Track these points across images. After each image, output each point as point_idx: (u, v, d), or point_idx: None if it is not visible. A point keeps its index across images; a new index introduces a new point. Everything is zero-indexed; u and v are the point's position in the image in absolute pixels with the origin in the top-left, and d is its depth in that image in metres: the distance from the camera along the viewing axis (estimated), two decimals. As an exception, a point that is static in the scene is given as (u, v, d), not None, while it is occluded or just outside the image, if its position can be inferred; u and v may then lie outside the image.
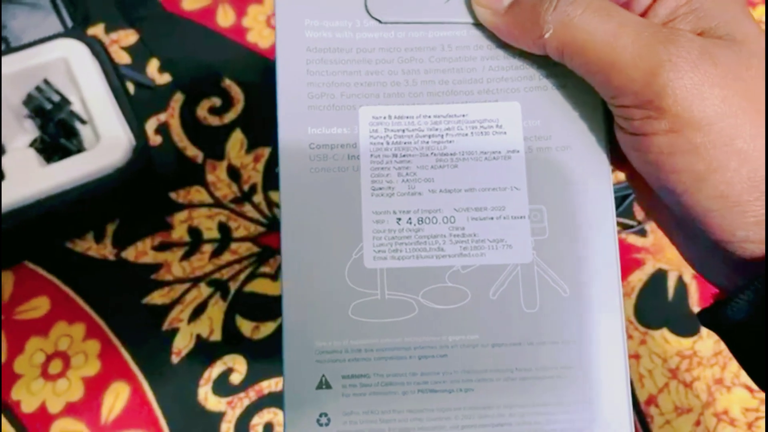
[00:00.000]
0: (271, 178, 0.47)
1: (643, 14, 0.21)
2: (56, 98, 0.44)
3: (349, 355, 0.21)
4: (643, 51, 0.19)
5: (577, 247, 0.21)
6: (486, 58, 0.22)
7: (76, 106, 0.45)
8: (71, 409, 0.40)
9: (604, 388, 0.21)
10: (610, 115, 0.21)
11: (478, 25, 0.22)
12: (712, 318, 0.21)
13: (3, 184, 0.40)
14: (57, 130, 0.44)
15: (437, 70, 0.22)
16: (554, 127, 0.22)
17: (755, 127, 0.19)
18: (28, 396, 0.41)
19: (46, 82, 0.44)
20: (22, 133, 0.45)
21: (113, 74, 0.44)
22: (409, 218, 0.22)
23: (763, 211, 0.19)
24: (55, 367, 0.42)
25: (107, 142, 0.41)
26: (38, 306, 0.43)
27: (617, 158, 0.22)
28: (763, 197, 0.19)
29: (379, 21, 0.22)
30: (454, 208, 0.22)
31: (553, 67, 0.22)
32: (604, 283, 0.21)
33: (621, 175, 0.47)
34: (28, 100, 0.44)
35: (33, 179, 0.40)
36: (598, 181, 0.22)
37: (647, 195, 0.22)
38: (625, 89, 0.19)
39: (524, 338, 0.21)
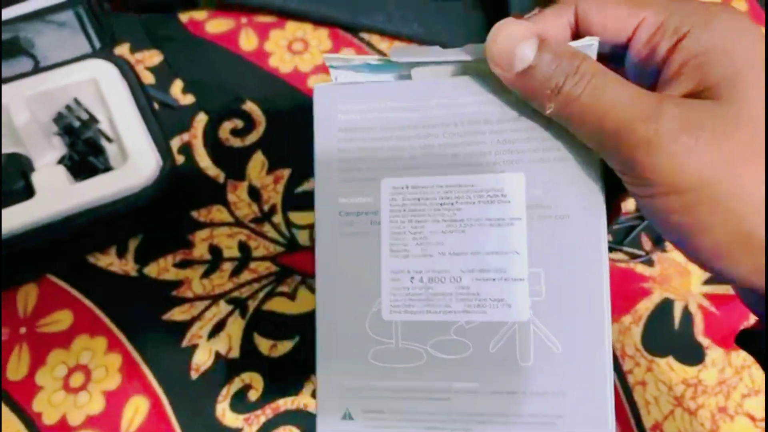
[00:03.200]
0: (290, 198, 0.48)
1: (663, 60, 0.22)
2: (85, 116, 0.46)
3: (368, 393, 0.25)
4: (627, 129, 0.20)
5: (571, 309, 0.23)
6: (494, 132, 0.24)
7: (104, 125, 0.46)
8: (91, 422, 0.41)
9: None
10: (610, 184, 0.23)
11: (488, 101, 0.24)
12: (746, 341, 0.23)
13: (33, 200, 0.41)
14: (85, 148, 0.45)
15: (450, 144, 0.24)
16: (555, 196, 0.24)
17: (736, 187, 0.20)
18: (49, 408, 0.42)
19: (76, 101, 0.46)
20: (50, 150, 0.46)
21: (141, 94, 0.46)
22: (421, 277, 0.24)
23: (758, 261, 0.20)
24: (77, 380, 0.42)
25: (135, 161, 0.43)
26: (61, 319, 0.44)
27: None
28: (754, 251, 0.20)
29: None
30: (460, 269, 0.24)
31: (556, 140, 0.23)
32: (594, 342, 0.23)
33: (628, 206, 0.48)
34: (59, 119, 0.46)
35: (63, 196, 0.41)
36: (593, 247, 0.23)
37: None
38: (613, 161, 0.21)
39: (519, 388, 0.24)
